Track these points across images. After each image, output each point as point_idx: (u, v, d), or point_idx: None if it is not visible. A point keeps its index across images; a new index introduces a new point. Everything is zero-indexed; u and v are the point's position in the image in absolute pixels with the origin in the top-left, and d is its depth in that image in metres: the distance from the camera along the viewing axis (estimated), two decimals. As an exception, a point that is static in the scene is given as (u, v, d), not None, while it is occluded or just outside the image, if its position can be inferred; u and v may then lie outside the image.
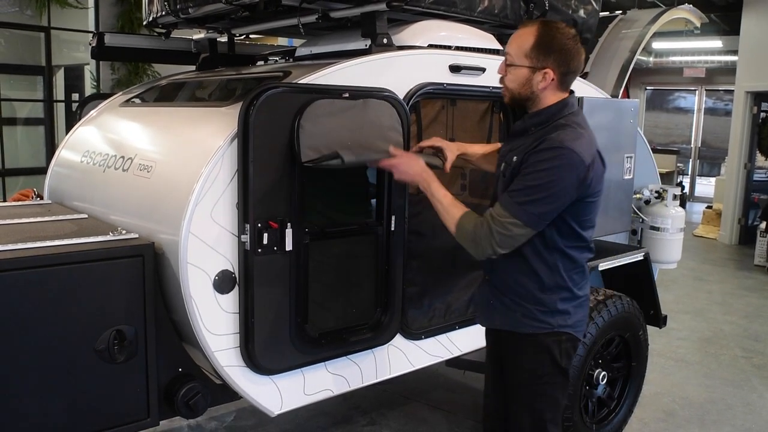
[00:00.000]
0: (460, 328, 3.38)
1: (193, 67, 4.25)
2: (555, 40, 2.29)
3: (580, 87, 3.80)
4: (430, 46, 3.16)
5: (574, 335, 2.48)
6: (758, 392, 4.94)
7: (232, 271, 2.54)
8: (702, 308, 7.08)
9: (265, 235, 2.50)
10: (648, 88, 17.10)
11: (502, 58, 3.16)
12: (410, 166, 2.54)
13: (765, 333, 6.34)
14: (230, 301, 2.56)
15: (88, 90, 7.27)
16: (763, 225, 8.87)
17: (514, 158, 2.34)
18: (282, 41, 6.19)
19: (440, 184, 2.48)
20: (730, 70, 12.21)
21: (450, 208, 2.41)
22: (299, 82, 2.68)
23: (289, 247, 2.56)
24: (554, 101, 2.36)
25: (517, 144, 2.39)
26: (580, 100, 3.44)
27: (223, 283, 2.52)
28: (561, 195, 2.23)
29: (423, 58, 3.07)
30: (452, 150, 2.83)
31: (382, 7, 2.94)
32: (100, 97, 4.20)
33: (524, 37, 2.33)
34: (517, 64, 2.34)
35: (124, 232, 2.61)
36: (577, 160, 2.22)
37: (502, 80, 2.43)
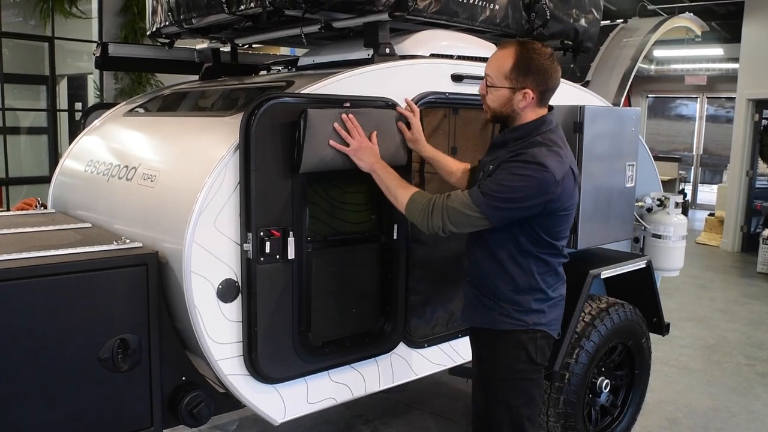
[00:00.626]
0: (462, 336, 3.38)
1: (197, 77, 4.27)
2: (533, 62, 2.41)
3: (582, 95, 3.82)
4: (432, 55, 3.18)
5: (549, 333, 2.61)
6: (762, 400, 4.93)
7: (235, 279, 2.55)
8: (705, 316, 7.07)
9: (268, 244, 2.51)
10: (650, 95, 17.13)
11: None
12: (366, 155, 2.61)
13: (768, 340, 6.34)
14: (233, 309, 2.56)
15: (92, 99, 7.30)
16: (765, 232, 8.87)
17: (491, 167, 2.47)
18: (285, 50, 6.22)
19: (391, 171, 2.60)
20: (731, 78, 12.22)
21: (400, 189, 2.55)
22: (301, 91, 2.69)
23: (291, 255, 2.57)
24: (533, 118, 2.48)
25: (496, 155, 2.52)
26: (582, 109, 3.45)
27: (226, 291, 2.53)
28: (524, 203, 2.36)
29: (425, 67, 3.09)
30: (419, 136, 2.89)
31: (385, 17, 2.96)
32: (103, 106, 4.22)
33: (503, 59, 2.45)
34: (497, 85, 2.46)
35: (127, 241, 2.62)
36: (547, 176, 2.33)
37: (483, 99, 2.55)
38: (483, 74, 3.17)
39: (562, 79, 3.69)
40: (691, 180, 16.65)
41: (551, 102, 2.57)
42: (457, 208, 2.40)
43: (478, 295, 2.64)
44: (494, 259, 2.54)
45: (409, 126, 2.85)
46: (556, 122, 2.53)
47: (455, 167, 2.96)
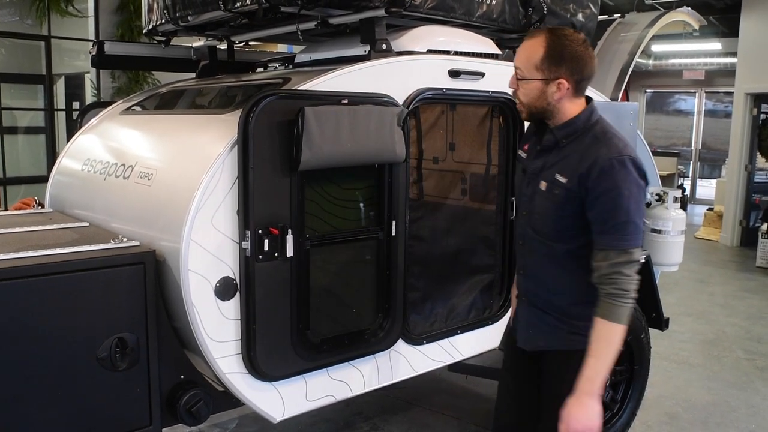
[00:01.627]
0: (462, 332, 3.38)
1: (193, 75, 4.26)
2: (566, 49, 2.21)
3: (580, 90, 3.80)
4: (429, 51, 3.17)
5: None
6: (761, 394, 4.93)
7: (233, 277, 2.54)
8: (704, 310, 7.07)
9: (266, 242, 2.50)
10: (648, 90, 17.11)
11: (501, 62, 3.19)
12: (580, 420, 2.18)
13: (767, 335, 6.33)
14: (232, 307, 2.56)
15: (89, 98, 7.29)
16: (764, 227, 8.87)
17: (557, 176, 2.26)
18: (282, 48, 6.21)
19: (592, 368, 2.18)
20: (729, 72, 12.21)
21: (612, 340, 2.19)
22: (298, 88, 2.68)
23: (290, 253, 2.57)
24: (576, 110, 2.28)
25: (552, 160, 2.30)
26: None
27: (224, 289, 2.53)
28: (643, 201, 2.22)
29: (422, 63, 3.08)
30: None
31: (381, 13, 2.95)
32: (100, 105, 4.21)
33: (533, 49, 2.24)
34: (528, 77, 2.25)
35: (125, 240, 2.61)
36: (640, 164, 2.21)
37: (514, 94, 2.35)
38: (480, 70, 3.19)
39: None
40: (690, 175, 16.64)
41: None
42: (634, 266, 2.18)
43: (539, 314, 2.42)
44: (564, 272, 2.34)
45: None
46: (599, 113, 2.34)
47: None
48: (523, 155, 2.48)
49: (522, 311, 2.50)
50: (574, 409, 2.17)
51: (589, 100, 2.34)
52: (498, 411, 2.72)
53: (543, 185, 2.31)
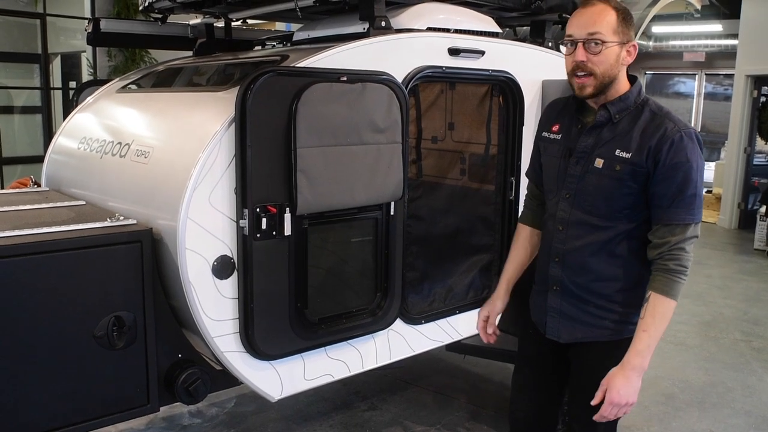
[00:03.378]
0: (460, 312, 3.38)
1: (190, 53, 4.22)
2: (630, 15, 2.22)
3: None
4: (429, 29, 3.13)
5: None
6: (758, 375, 4.95)
7: (230, 256, 2.53)
8: (702, 292, 7.08)
9: (264, 220, 2.49)
10: (647, 72, 17.03)
11: (501, 41, 3.15)
12: (622, 394, 2.13)
13: (764, 316, 6.34)
14: (229, 286, 2.55)
15: (85, 77, 7.24)
16: (762, 209, 8.86)
17: (618, 152, 2.20)
18: (280, 26, 6.15)
19: (644, 342, 2.15)
20: (730, 54, 12.14)
21: (666, 315, 2.18)
22: (297, 65, 2.65)
23: (288, 231, 2.55)
24: (626, 85, 2.26)
25: (607, 136, 2.24)
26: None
27: (222, 268, 2.51)
28: (703, 172, 2.20)
29: (421, 41, 3.04)
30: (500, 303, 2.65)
31: (381, -11, 2.92)
32: (96, 83, 4.18)
33: (606, 13, 2.17)
34: (610, 41, 2.16)
35: (121, 218, 2.60)
36: (698, 136, 2.18)
37: (582, 67, 2.19)
38: (480, 48, 3.15)
39: (559, 53, 3.67)
40: (689, 157, 16.59)
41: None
42: (692, 242, 2.18)
43: (576, 303, 2.34)
44: (611, 256, 2.27)
45: None
46: None
47: (529, 240, 2.62)
48: (555, 136, 2.40)
49: (553, 301, 2.40)
50: (619, 382, 2.12)
51: (634, 78, 2.30)
52: (515, 403, 2.65)
53: (599, 162, 2.23)
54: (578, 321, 2.34)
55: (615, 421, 2.30)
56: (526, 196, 2.67)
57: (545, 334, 2.44)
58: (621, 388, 2.12)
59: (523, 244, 2.62)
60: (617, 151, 2.20)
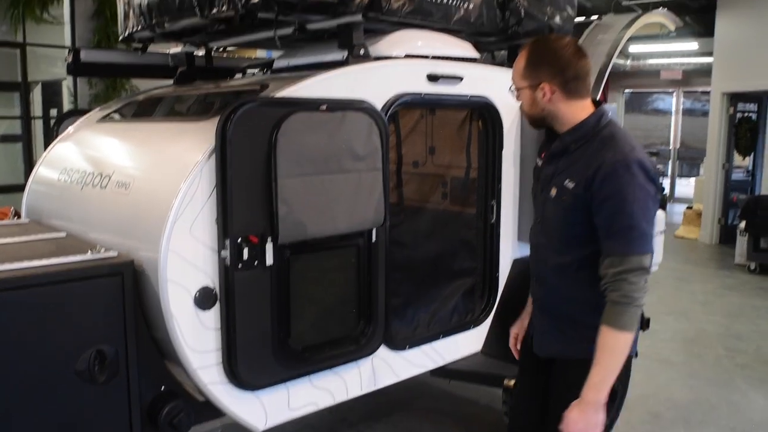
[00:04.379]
0: (444, 337, 3.38)
1: (171, 81, 4.22)
2: (544, 52, 2.28)
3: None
4: (408, 56, 3.17)
5: (630, 354, 2.33)
6: (741, 391, 4.98)
7: (212, 287, 2.52)
8: (685, 309, 7.13)
9: (246, 250, 2.48)
10: (626, 90, 17.26)
11: (479, 66, 3.20)
12: (579, 427, 2.18)
13: (747, 332, 6.40)
14: (212, 317, 2.53)
15: (66, 105, 7.21)
16: (742, 224, 8.96)
17: (567, 182, 2.27)
18: (261, 53, 6.18)
19: (597, 376, 2.16)
20: (706, 72, 12.32)
21: (618, 348, 2.18)
22: (276, 95, 2.67)
23: (270, 261, 2.55)
24: (581, 114, 2.29)
25: (562, 166, 2.32)
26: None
27: (204, 299, 2.50)
28: (651, 206, 2.19)
29: (400, 68, 3.08)
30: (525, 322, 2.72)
31: (358, 18, 2.95)
32: (77, 113, 4.17)
33: (519, 61, 2.34)
34: (518, 86, 2.36)
35: (102, 250, 2.58)
36: (648, 167, 2.19)
37: (521, 108, 2.44)
38: (458, 74, 3.20)
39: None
40: (669, 173, 16.79)
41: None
42: (642, 274, 2.15)
43: (554, 323, 2.45)
44: (575, 281, 2.34)
45: None
46: (610, 115, 2.35)
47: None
48: (539, 163, 2.50)
49: (536, 317, 2.54)
50: (576, 415, 2.17)
51: (599, 103, 2.35)
52: (514, 411, 2.82)
53: (553, 192, 2.33)
54: (553, 337, 2.46)
55: None
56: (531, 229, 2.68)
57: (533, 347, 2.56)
58: (578, 422, 2.16)
59: None
60: (566, 181, 2.28)
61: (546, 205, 2.38)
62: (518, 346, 2.74)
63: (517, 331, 2.75)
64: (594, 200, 2.18)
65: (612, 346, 2.16)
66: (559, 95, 2.27)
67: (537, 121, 2.38)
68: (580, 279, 2.32)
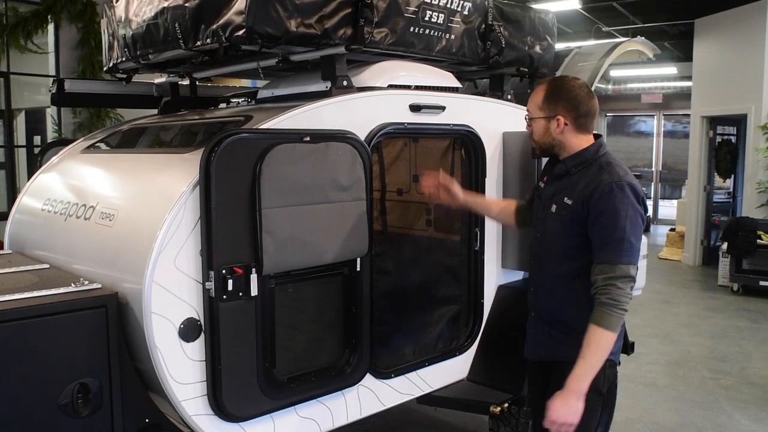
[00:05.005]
0: (429, 364, 3.38)
1: (155, 111, 4.24)
2: (561, 90, 2.58)
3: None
4: (390, 86, 3.21)
5: (614, 361, 2.63)
6: (727, 413, 5.00)
7: (197, 318, 2.52)
8: (669, 331, 7.17)
9: (230, 281, 2.49)
10: (608, 114, 17.47)
11: (461, 96, 3.26)
12: (561, 414, 2.37)
13: (731, 353, 6.44)
14: (196, 349, 2.53)
15: (50, 133, 7.19)
16: (724, 246, 9.06)
17: (566, 200, 2.55)
18: (246, 82, 6.21)
19: (582, 368, 2.38)
20: (686, 95, 12.54)
21: (601, 345, 2.40)
22: (260, 127, 2.69)
23: (254, 292, 2.56)
24: (585, 144, 2.60)
25: (563, 185, 2.61)
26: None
27: (188, 331, 2.50)
28: (640, 224, 2.47)
29: (383, 98, 3.12)
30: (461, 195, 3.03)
31: (341, 50, 2.99)
32: (61, 143, 4.17)
33: (536, 94, 2.63)
34: (534, 116, 2.63)
35: (86, 282, 2.58)
36: (638, 191, 2.50)
37: (530, 136, 2.70)
38: (440, 104, 3.24)
39: (518, 105, 3.77)
40: (652, 196, 16.95)
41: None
42: (629, 282, 2.40)
43: (547, 329, 2.69)
44: (570, 289, 2.59)
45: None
46: (608, 147, 2.66)
47: (501, 206, 3.13)
48: (542, 185, 2.77)
49: (531, 325, 2.78)
50: (559, 403, 2.38)
51: (597, 136, 2.65)
52: (534, 427, 3.04)
53: (554, 208, 2.61)
54: (541, 342, 2.72)
55: None
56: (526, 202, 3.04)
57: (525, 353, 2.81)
58: (559, 408, 2.37)
59: (500, 206, 3.13)
60: (565, 198, 2.57)
61: (546, 221, 2.65)
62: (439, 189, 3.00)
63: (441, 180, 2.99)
64: (590, 214, 2.47)
65: (597, 343, 2.39)
66: (570, 128, 2.58)
67: (545, 148, 2.67)
68: (575, 287, 2.56)
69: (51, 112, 7.20)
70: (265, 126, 2.70)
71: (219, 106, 4.29)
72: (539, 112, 2.62)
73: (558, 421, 2.36)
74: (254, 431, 2.70)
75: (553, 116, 2.58)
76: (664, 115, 16.71)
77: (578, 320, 2.49)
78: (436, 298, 3.59)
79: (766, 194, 9.30)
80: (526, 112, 2.68)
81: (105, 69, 4.04)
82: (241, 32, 2.81)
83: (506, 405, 3.39)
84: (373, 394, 3.13)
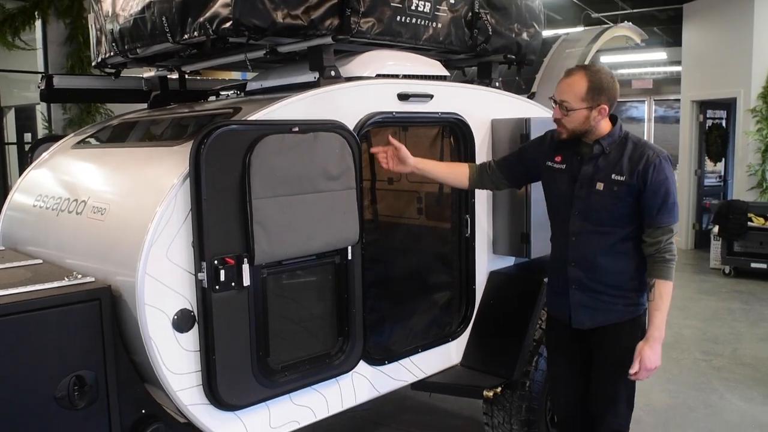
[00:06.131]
0: (423, 351, 3.42)
1: (145, 105, 4.25)
2: (603, 83, 2.78)
3: (528, 107, 3.91)
4: (378, 75, 3.23)
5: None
6: (718, 393, 5.07)
7: (190, 309, 2.54)
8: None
9: (222, 272, 2.51)
10: (599, 100, 17.45)
11: (449, 83, 3.28)
12: (652, 360, 2.76)
13: (723, 335, 6.51)
14: (190, 339, 2.55)
15: (41, 130, 7.18)
16: (715, 229, 9.12)
17: (614, 176, 2.80)
18: (236, 74, 6.21)
19: (660, 319, 2.77)
20: (676, 80, 12.58)
21: (670, 295, 2.80)
22: (249, 118, 2.71)
23: (246, 282, 2.58)
24: (610, 125, 2.87)
25: (602, 164, 2.85)
26: (528, 121, 3.54)
27: (182, 322, 2.52)
28: (675, 183, 2.85)
29: (371, 88, 3.13)
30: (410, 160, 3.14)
31: (328, 40, 3.01)
32: (51, 139, 4.17)
33: (577, 85, 2.78)
34: (576, 108, 2.78)
35: (79, 276, 2.60)
36: (669, 157, 2.84)
37: (558, 121, 2.86)
38: (428, 92, 3.26)
39: (507, 92, 3.80)
40: (644, 181, 16.97)
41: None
42: (673, 242, 2.78)
43: (596, 296, 2.89)
44: (618, 255, 2.85)
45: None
46: None
47: (452, 168, 3.28)
48: (560, 166, 2.97)
49: (574, 297, 2.94)
50: (648, 352, 2.74)
51: (615, 117, 2.90)
52: (556, 391, 3.23)
53: (600, 185, 2.83)
54: (597, 309, 2.91)
55: (633, 389, 2.98)
56: (488, 165, 3.22)
57: (571, 325, 2.97)
58: (651, 356, 2.74)
59: (451, 169, 3.27)
60: (613, 175, 2.80)
61: (591, 198, 2.85)
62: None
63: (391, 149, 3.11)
64: (647, 186, 2.75)
65: (668, 294, 2.77)
66: (606, 114, 2.81)
67: (577, 134, 2.85)
68: (622, 251, 2.85)
69: (41, 108, 7.18)
70: (253, 117, 2.72)
71: (209, 99, 4.30)
72: (581, 103, 2.77)
73: (651, 367, 2.74)
74: (250, 419, 2.74)
75: (596, 106, 2.77)
76: (654, 100, 16.75)
77: (628, 280, 2.86)
78: (428, 284, 3.62)
79: (757, 177, 9.36)
80: (561, 101, 2.80)
81: (93, 64, 4.04)
82: (227, 24, 2.82)
83: (499, 389, 3.42)
84: (368, 381, 3.16)
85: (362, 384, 3.14)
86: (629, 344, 2.84)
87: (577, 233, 2.90)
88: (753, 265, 8.76)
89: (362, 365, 3.11)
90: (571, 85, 2.80)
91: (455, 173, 3.24)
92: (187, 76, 4.23)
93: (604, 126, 2.85)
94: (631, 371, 2.77)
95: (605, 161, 2.84)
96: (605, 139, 2.85)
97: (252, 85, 3.69)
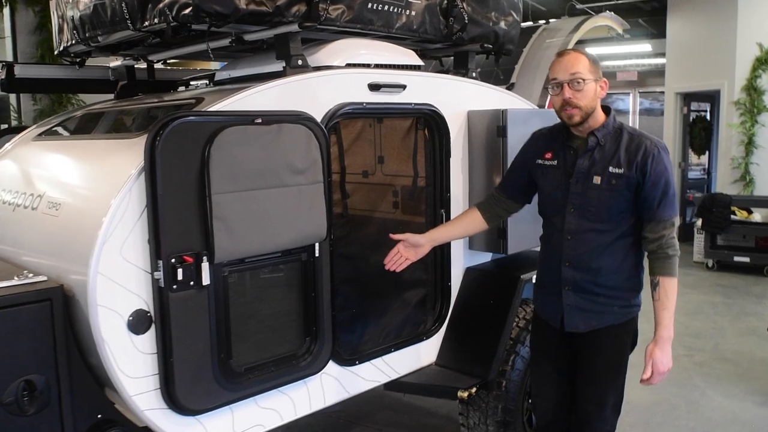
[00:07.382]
0: (396, 350, 3.32)
1: (113, 96, 4.11)
2: (596, 59, 2.72)
3: (506, 99, 3.80)
4: (348, 65, 3.11)
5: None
6: (700, 390, 5.01)
7: (147, 310, 2.42)
8: (644, 309, 7.11)
9: (180, 271, 2.39)
10: (584, 92, 17.42)
11: (423, 73, 3.17)
12: (665, 363, 2.68)
13: (705, 330, 6.46)
14: (147, 341, 2.43)
15: (14, 121, 7.01)
16: (699, 222, 9.08)
17: (612, 169, 2.66)
18: (215, 65, 6.06)
19: (668, 318, 2.67)
20: (660, 72, 12.51)
21: (673, 298, 2.67)
22: (210, 109, 2.58)
23: (206, 281, 2.46)
24: (604, 116, 2.75)
25: (598, 157, 2.70)
26: (504, 113, 3.44)
27: (138, 323, 2.40)
28: (673, 174, 2.75)
29: (340, 77, 3.01)
30: (422, 240, 2.99)
31: (295, 28, 2.88)
32: (14, 130, 4.03)
33: (581, 57, 2.67)
34: (586, 78, 2.63)
35: (30, 275, 2.47)
36: (666, 148, 2.72)
37: (569, 103, 2.65)
38: (401, 83, 3.15)
39: (484, 83, 3.70)
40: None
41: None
42: (675, 236, 2.67)
43: (591, 297, 2.76)
44: (614, 253, 2.71)
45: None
46: None
47: (465, 222, 3.08)
48: (551, 162, 2.83)
49: (568, 299, 2.79)
50: (660, 354, 2.65)
51: (608, 109, 2.79)
52: (540, 394, 3.04)
53: (597, 179, 2.69)
54: (591, 312, 2.77)
55: (622, 394, 2.88)
56: (492, 195, 3.08)
57: (564, 328, 2.83)
58: (664, 359, 2.65)
59: (464, 222, 3.08)
60: (611, 168, 2.66)
61: (588, 193, 2.70)
62: (398, 257, 2.96)
63: (405, 239, 2.96)
64: (646, 178, 2.62)
65: (674, 291, 2.65)
66: (605, 91, 2.72)
67: (589, 113, 2.68)
68: (620, 252, 2.71)
69: (13, 99, 7.01)
70: (215, 108, 2.59)
71: (178, 90, 4.16)
72: (590, 74, 2.65)
73: (664, 370, 2.64)
74: (212, 424, 2.62)
75: (599, 78, 2.68)
76: (639, 92, 16.72)
77: (624, 280, 2.73)
78: (402, 281, 3.51)
79: (740, 170, 9.32)
80: (574, 74, 2.62)
81: (56, 53, 3.89)
82: (188, 11, 2.69)
83: (474, 389, 3.33)
84: (337, 382, 3.06)
85: (331, 385, 3.03)
86: (620, 347, 2.78)
87: (573, 231, 2.74)
88: (736, 258, 8.73)
89: (331, 366, 3.00)
90: (574, 59, 2.67)
91: (468, 223, 3.07)
92: (155, 66, 4.08)
93: (600, 113, 2.73)
94: (644, 376, 2.67)
95: (601, 153, 2.70)
96: (599, 130, 2.71)
97: (220, 75, 3.57)
